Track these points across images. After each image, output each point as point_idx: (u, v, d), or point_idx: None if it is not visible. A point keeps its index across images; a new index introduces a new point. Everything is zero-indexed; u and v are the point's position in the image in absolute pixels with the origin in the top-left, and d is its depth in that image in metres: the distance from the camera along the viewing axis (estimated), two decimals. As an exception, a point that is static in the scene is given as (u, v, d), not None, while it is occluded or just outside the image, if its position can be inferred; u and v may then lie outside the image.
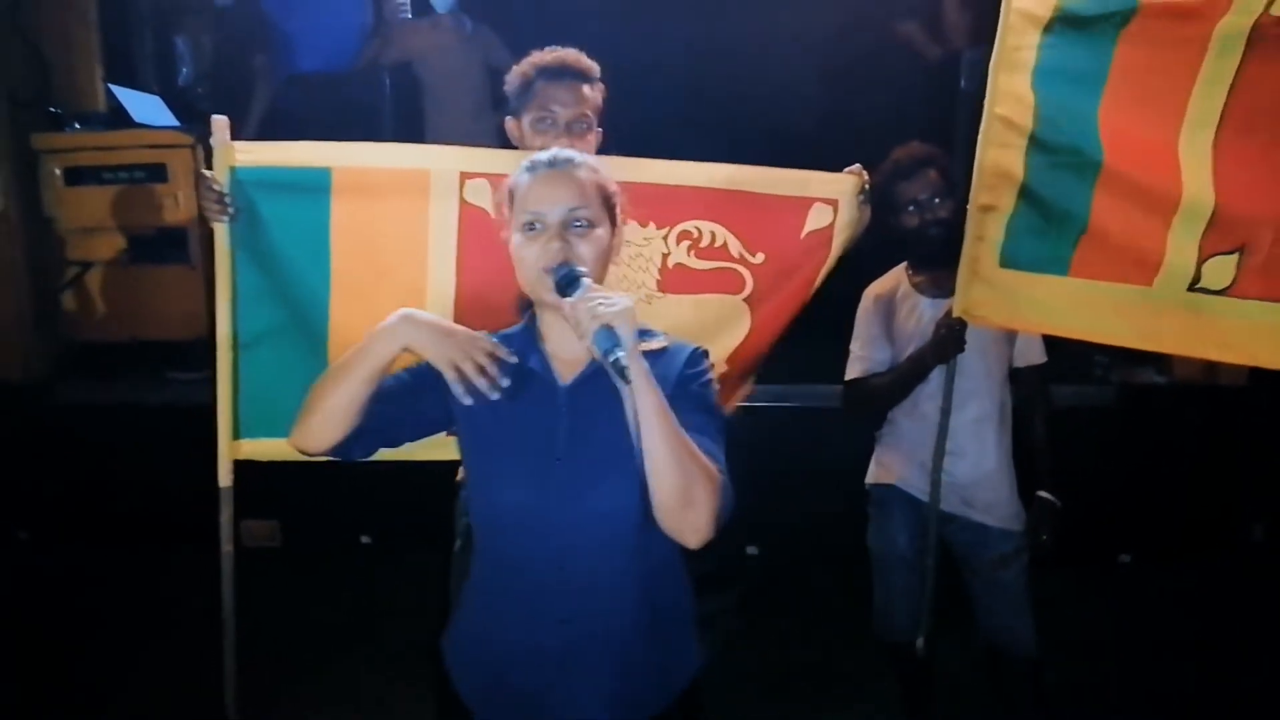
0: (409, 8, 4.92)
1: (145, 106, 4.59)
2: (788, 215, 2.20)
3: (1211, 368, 3.70)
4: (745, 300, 2.23)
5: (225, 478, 2.12)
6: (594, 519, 1.47)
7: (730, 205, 2.17)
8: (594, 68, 2.13)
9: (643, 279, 2.15)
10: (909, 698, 2.68)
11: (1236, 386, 3.74)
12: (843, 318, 2.60)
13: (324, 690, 3.14)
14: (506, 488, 1.50)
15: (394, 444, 1.60)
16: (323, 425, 1.50)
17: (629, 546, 1.48)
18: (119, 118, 4.53)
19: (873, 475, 2.61)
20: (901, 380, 2.45)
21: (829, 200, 2.21)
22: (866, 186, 2.24)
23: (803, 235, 2.22)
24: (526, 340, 1.57)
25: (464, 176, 2.04)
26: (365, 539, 4.09)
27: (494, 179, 1.97)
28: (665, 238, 2.16)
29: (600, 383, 1.43)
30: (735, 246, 2.18)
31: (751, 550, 3.87)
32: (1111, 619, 3.50)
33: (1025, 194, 2.17)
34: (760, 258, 2.20)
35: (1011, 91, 2.14)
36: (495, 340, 1.57)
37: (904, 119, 4.23)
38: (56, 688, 3.16)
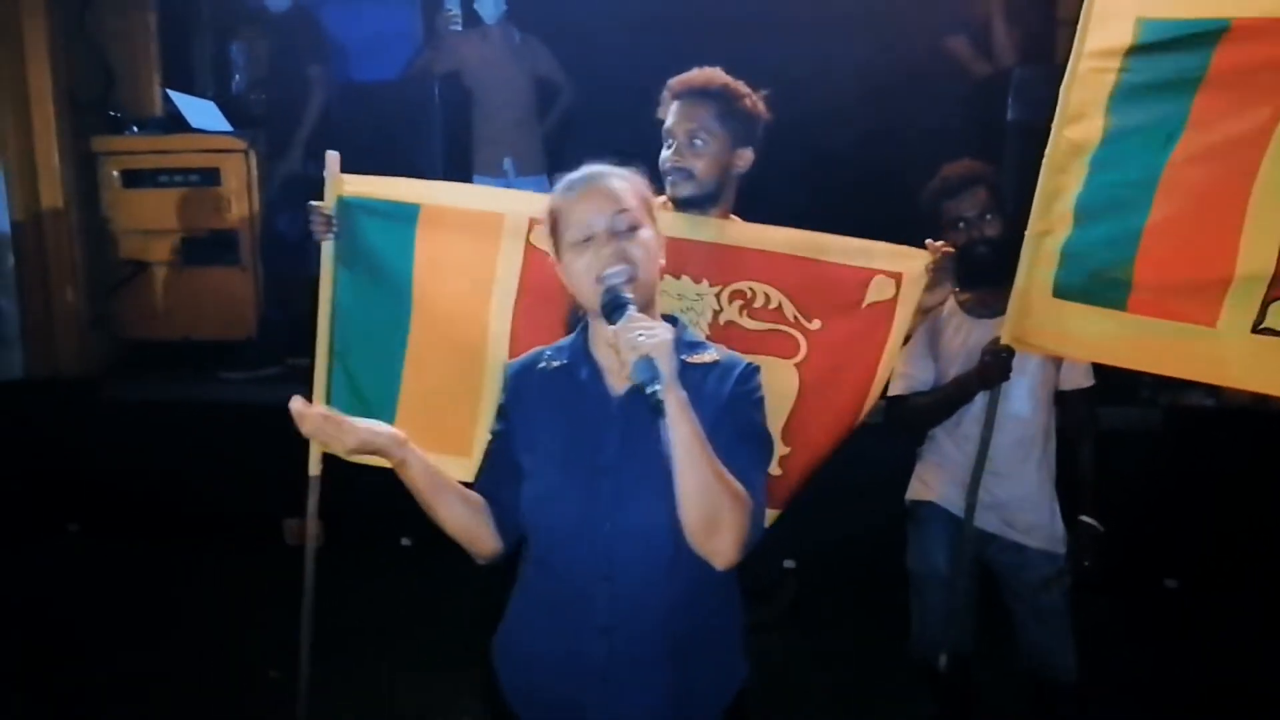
0: (460, 20, 4.99)
1: (201, 112, 4.70)
2: (848, 284, 2.16)
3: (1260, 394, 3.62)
4: (796, 365, 2.18)
5: (315, 467, 2.26)
6: (640, 530, 1.48)
7: (788, 269, 2.15)
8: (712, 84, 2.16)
9: (692, 334, 2.14)
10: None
11: (1286, 411, 3.66)
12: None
13: (361, 691, 3.17)
14: (557, 497, 1.52)
15: None
16: (468, 539, 1.60)
17: (673, 558, 1.49)
18: (176, 123, 4.66)
19: (913, 491, 2.59)
20: (944, 402, 2.43)
21: (892, 274, 2.15)
22: (934, 266, 2.14)
23: (863, 306, 2.16)
24: (579, 351, 1.59)
25: (533, 222, 2.13)
26: (406, 541, 4.13)
27: None
28: (718, 295, 2.16)
29: None
30: (790, 310, 2.16)
31: (789, 564, 3.86)
32: (1157, 646, 3.44)
33: (1079, 219, 2.12)
34: (816, 324, 2.16)
35: (1083, 112, 2.07)
36: (550, 350, 1.61)
37: (950, 139, 4.20)
38: (105, 678, 3.22)
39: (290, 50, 4.88)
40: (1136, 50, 2.01)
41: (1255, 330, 1.96)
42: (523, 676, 1.62)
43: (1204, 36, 1.94)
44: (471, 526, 1.58)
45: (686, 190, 2.13)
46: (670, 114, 2.16)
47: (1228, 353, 2.00)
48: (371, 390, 2.27)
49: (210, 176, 4.57)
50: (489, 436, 1.66)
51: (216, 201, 4.55)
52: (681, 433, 1.36)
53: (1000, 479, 2.39)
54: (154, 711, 3.07)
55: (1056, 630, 2.42)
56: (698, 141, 2.11)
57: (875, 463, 2.78)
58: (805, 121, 4.79)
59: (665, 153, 2.15)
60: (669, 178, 2.14)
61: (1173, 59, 1.98)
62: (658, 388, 1.32)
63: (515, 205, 2.20)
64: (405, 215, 2.20)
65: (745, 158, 2.18)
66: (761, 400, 1.55)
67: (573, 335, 1.64)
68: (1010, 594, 2.48)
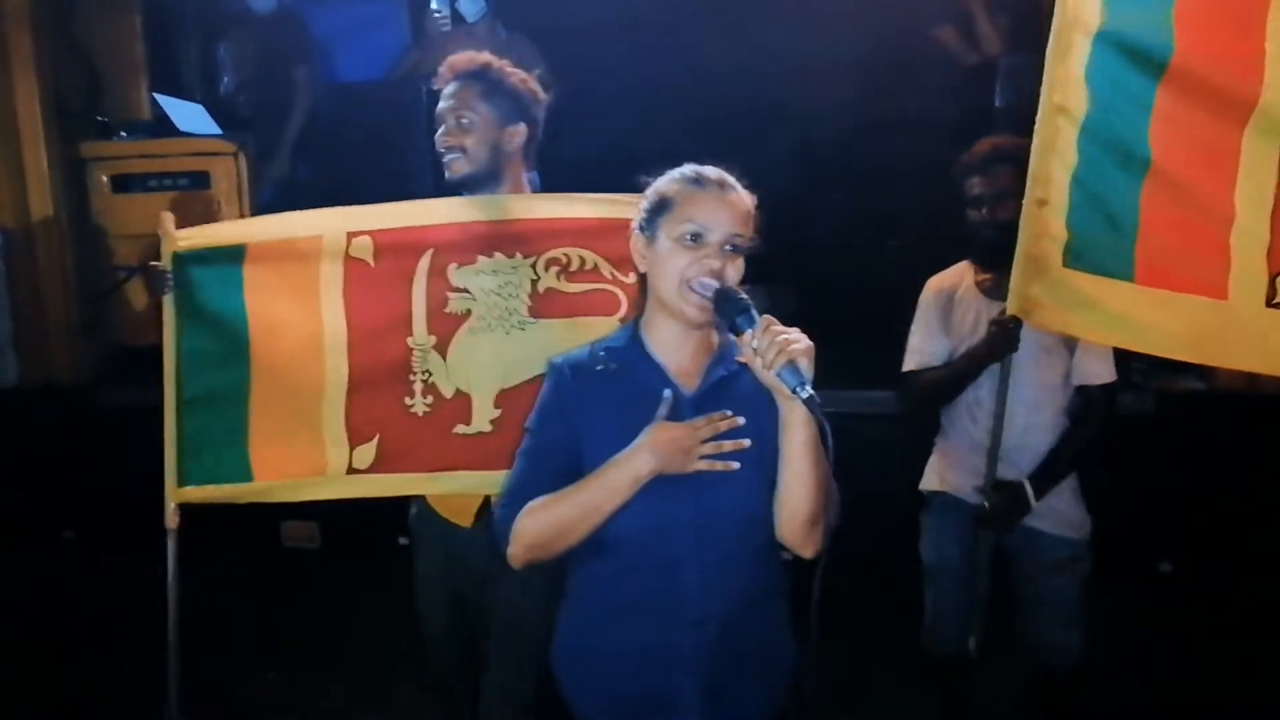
0: (449, 20, 4.99)
1: (189, 115, 4.68)
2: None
3: (1253, 375, 3.64)
4: (621, 320, 2.20)
5: (171, 520, 2.38)
6: (722, 524, 1.53)
7: (595, 231, 2.21)
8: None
9: (513, 305, 2.19)
10: (949, 711, 2.65)
11: (1278, 394, 3.67)
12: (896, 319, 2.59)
13: (359, 691, 3.17)
14: (636, 500, 1.52)
15: None
16: (564, 545, 1.57)
17: (753, 549, 1.56)
18: (164, 126, 4.62)
19: (927, 481, 2.59)
20: (955, 377, 2.42)
21: None
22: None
23: None
24: (635, 352, 1.61)
25: (350, 235, 2.24)
26: (403, 540, 4.12)
27: (376, 236, 2.23)
28: (534, 265, 2.21)
29: (723, 390, 1.57)
30: (606, 268, 2.22)
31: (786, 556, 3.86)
32: (1151, 628, 3.46)
33: (1077, 187, 2.11)
34: (633, 277, 2.15)
35: (1068, 78, 2.08)
36: (602, 351, 1.62)
37: (939, 127, 4.21)
38: (102, 684, 3.22)
39: (276, 52, 4.88)
40: (1108, 15, 2.02)
41: (1270, 305, 1.93)
42: (600, 680, 1.62)
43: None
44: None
45: (463, 168, 2.25)
46: (441, 98, 2.27)
47: (1244, 330, 1.96)
48: (222, 432, 2.33)
49: (200, 180, 4.54)
50: (532, 437, 1.64)
51: (207, 205, 4.52)
52: (811, 434, 1.42)
53: (1010, 466, 2.37)
54: (152, 716, 3.07)
55: (1066, 617, 2.41)
56: (464, 120, 2.22)
57: (884, 453, 2.79)
58: (795, 112, 4.84)
59: (438, 134, 2.26)
60: (444, 159, 2.25)
61: (1141, 21, 1.99)
62: (811, 390, 1.37)
63: (332, 223, 2.26)
64: (232, 257, 2.29)
65: (518, 133, 2.27)
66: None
67: (617, 336, 1.66)
68: (1021, 578, 2.46)
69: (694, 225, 1.52)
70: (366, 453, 2.26)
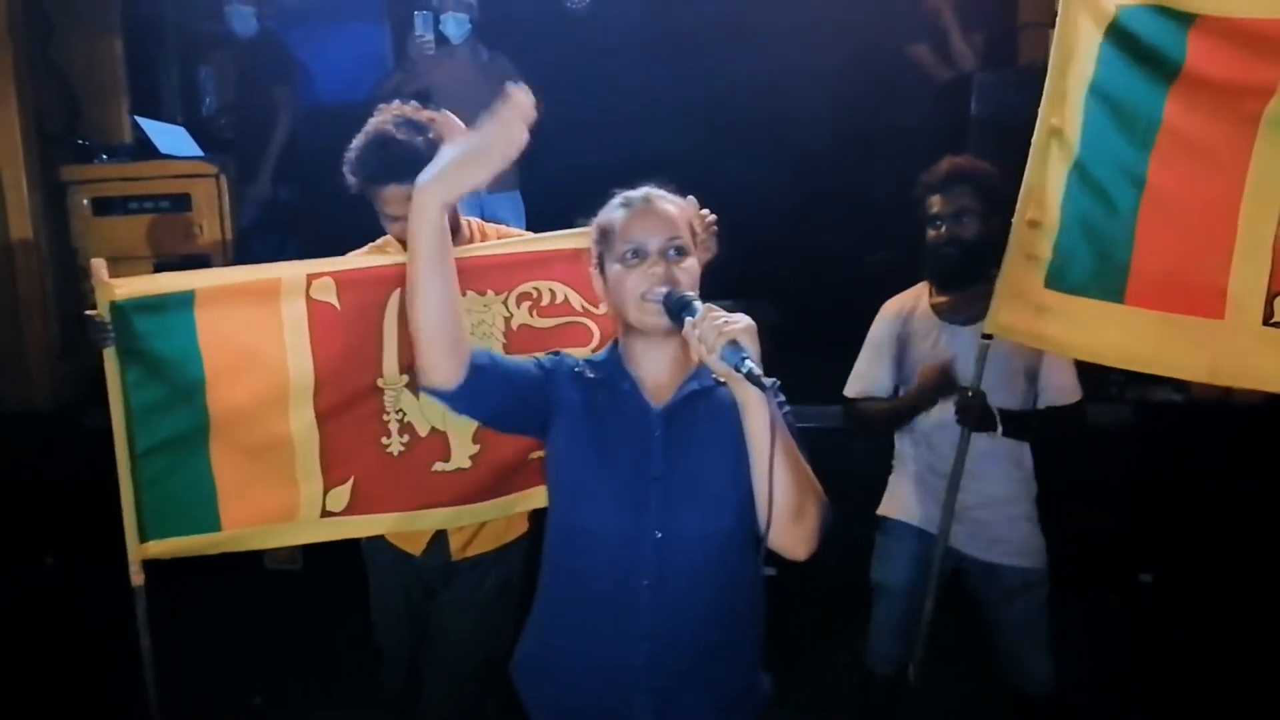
0: (434, 45, 5.01)
1: (170, 138, 4.69)
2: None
3: (1229, 387, 3.69)
4: (593, 351, 2.20)
5: (136, 578, 2.28)
6: (688, 539, 1.53)
7: (563, 263, 2.22)
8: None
9: (487, 344, 2.19)
10: None
11: (1252, 405, 3.72)
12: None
13: (343, 713, 3.15)
14: (604, 508, 1.56)
15: (498, 417, 1.66)
16: (430, 331, 1.50)
17: (720, 567, 1.55)
18: (145, 149, 4.63)
19: (883, 505, 2.58)
20: (895, 415, 2.43)
21: None
22: (704, 229, 2.20)
23: None
24: (615, 367, 1.64)
25: (310, 277, 2.18)
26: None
27: (337, 276, 2.17)
28: (505, 301, 2.21)
29: (692, 407, 1.57)
30: (576, 300, 2.23)
31: (770, 571, 3.87)
32: (1132, 639, 3.48)
33: (1068, 209, 2.10)
34: (603, 309, 2.14)
35: (1065, 101, 2.08)
36: (585, 363, 1.66)
37: (915, 139, 4.25)
38: (83, 710, 3.18)
39: (258, 74, 4.89)
40: (1115, 35, 2.00)
41: (1268, 324, 1.91)
42: (557, 689, 1.63)
43: (1179, 19, 1.93)
44: (449, 335, 1.51)
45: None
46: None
47: (1238, 348, 1.94)
48: (184, 483, 2.24)
49: (181, 202, 4.54)
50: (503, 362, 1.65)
51: (188, 227, 4.53)
52: (770, 419, 1.38)
53: (961, 491, 2.34)
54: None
55: (1028, 642, 2.40)
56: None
57: (855, 469, 2.80)
58: (775, 127, 4.89)
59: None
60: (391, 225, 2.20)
61: (1149, 45, 1.98)
62: (753, 365, 1.34)
63: (291, 269, 2.19)
64: (181, 302, 2.17)
65: None
66: (788, 408, 1.59)
67: (603, 353, 1.69)
68: (980, 604, 2.46)
69: (630, 244, 1.56)
70: (341, 495, 2.24)
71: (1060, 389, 2.35)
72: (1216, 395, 3.76)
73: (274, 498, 2.25)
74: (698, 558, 1.54)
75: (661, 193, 1.64)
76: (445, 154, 1.47)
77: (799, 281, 4.57)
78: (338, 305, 2.17)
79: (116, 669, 3.44)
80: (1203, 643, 3.43)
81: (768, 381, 1.33)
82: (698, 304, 1.45)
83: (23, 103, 4.33)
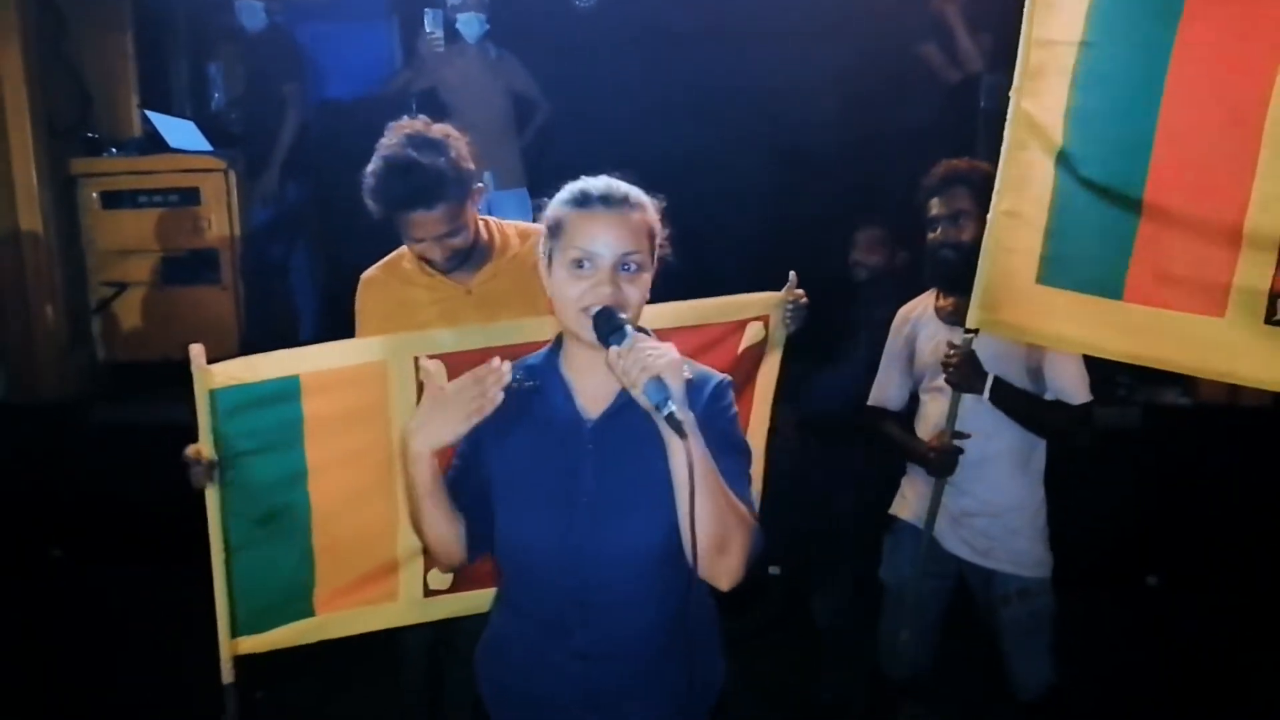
0: (443, 42, 5.02)
1: (179, 132, 4.70)
2: (726, 340, 2.24)
3: (1235, 389, 3.67)
4: None
5: (227, 675, 2.15)
6: (619, 556, 1.46)
7: (671, 340, 2.17)
8: None
9: None
10: None
11: (1260, 407, 3.71)
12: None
13: (349, 708, 3.15)
14: (531, 523, 1.49)
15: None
16: (440, 551, 1.56)
17: (653, 582, 1.47)
18: (154, 143, 4.65)
19: (895, 505, 2.58)
20: (886, 444, 2.50)
21: (761, 318, 2.25)
22: (792, 304, 2.22)
23: (739, 351, 2.25)
24: (549, 371, 1.54)
25: (418, 360, 2.08)
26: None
27: (445, 357, 2.01)
28: None
29: (626, 419, 1.44)
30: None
31: (774, 570, 3.87)
32: (1139, 642, 3.47)
33: (1059, 206, 2.04)
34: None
35: (1041, 92, 2.02)
36: (517, 370, 1.53)
37: (925, 139, 4.24)
38: (88, 704, 3.19)
39: (267, 69, 4.90)
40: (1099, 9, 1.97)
41: (1269, 322, 1.88)
42: (499, 679, 1.62)
43: None
44: (449, 537, 1.53)
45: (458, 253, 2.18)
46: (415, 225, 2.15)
47: (1238, 346, 1.92)
48: (283, 578, 2.14)
49: (190, 196, 4.56)
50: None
51: (196, 221, 4.55)
52: (695, 454, 1.31)
53: (961, 496, 2.35)
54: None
55: (1026, 647, 2.38)
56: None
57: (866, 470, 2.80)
58: (784, 128, 4.88)
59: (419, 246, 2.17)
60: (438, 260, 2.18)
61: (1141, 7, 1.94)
62: (674, 408, 1.28)
63: (397, 349, 2.10)
64: (287, 393, 2.05)
65: (477, 193, 2.20)
66: (736, 415, 1.53)
67: (541, 353, 1.58)
68: (979, 607, 2.46)
69: (580, 251, 1.40)
70: (445, 574, 2.20)
71: (1064, 389, 2.30)
72: (1224, 398, 3.75)
73: (374, 580, 2.19)
74: (631, 575, 1.46)
75: (626, 189, 1.46)
76: (427, 406, 1.47)
77: (806, 284, 4.55)
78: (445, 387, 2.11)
79: (121, 661, 3.47)
80: (1209, 645, 3.42)
81: (687, 425, 1.29)
82: (628, 329, 1.35)
83: (33, 97, 4.36)
